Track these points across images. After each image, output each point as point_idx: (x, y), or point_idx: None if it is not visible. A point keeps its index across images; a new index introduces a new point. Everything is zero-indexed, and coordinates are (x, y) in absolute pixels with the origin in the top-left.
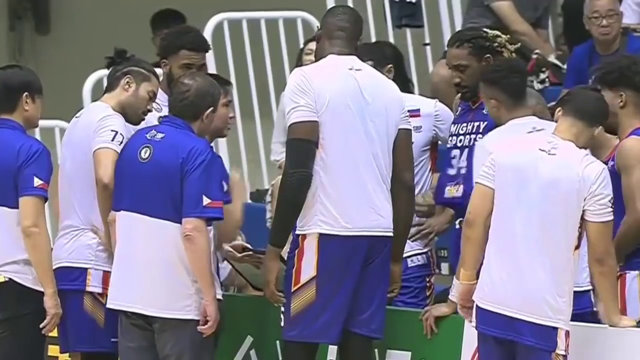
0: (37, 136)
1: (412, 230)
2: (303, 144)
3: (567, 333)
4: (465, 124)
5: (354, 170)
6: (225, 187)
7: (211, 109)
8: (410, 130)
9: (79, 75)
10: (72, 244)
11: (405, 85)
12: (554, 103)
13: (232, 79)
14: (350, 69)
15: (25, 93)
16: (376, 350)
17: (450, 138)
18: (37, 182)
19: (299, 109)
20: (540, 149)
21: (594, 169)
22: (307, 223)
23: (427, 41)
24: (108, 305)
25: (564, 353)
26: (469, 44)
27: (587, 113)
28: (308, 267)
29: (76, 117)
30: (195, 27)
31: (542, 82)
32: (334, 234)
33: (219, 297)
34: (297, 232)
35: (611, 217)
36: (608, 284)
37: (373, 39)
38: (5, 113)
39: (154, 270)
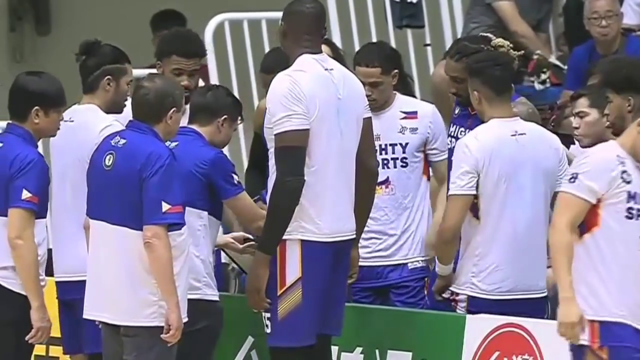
0: None
1: None
2: (297, 152)
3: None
4: (463, 129)
5: (333, 175)
6: (236, 179)
7: (174, 109)
8: (371, 117)
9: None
10: (78, 253)
11: (405, 84)
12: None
13: (233, 80)
14: (326, 70)
15: (37, 107)
16: (376, 350)
17: (450, 139)
18: (25, 194)
19: (295, 116)
20: None
21: None
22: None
23: (428, 42)
24: (84, 316)
25: None
26: (468, 59)
27: None
28: (293, 269)
29: (66, 121)
30: (192, 31)
31: (542, 82)
32: (315, 241)
33: (215, 298)
34: None
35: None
36: None
37: (374, 39)
38: (17, 119)
39: (118, 278)
